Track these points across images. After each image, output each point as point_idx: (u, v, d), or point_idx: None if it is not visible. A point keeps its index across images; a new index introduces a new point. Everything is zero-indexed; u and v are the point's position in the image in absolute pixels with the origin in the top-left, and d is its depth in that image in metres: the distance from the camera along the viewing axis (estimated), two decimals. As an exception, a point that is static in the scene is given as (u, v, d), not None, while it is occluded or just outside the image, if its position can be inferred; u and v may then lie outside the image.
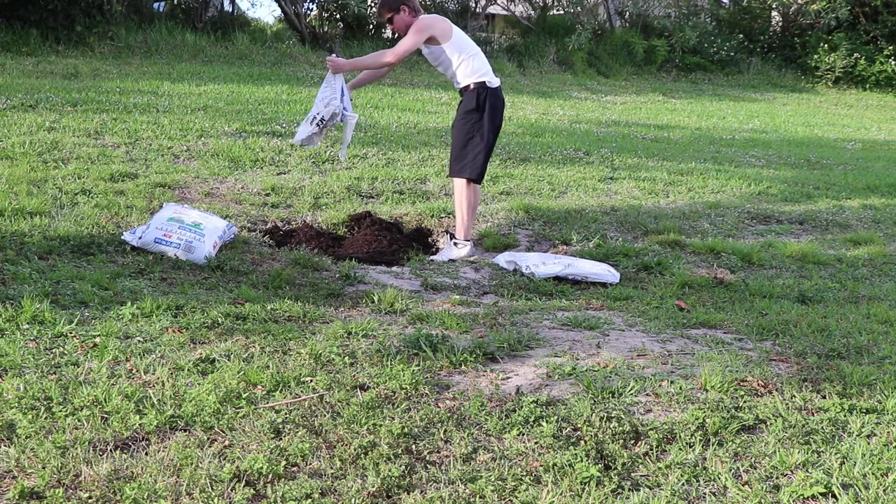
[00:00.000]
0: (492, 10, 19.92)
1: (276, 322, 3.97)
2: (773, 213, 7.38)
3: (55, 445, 2.68)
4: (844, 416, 3.19)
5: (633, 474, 2.75)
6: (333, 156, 7.80)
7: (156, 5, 16.44)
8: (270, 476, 2.60)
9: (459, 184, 5.69)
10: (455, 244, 5.72)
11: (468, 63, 5.58)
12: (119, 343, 3.53)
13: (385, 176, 7.29)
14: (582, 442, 2.89)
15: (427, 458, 2.80)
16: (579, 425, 3.02)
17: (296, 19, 16.88)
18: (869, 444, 2.97)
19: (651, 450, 2.89)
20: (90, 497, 2.45)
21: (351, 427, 2.94)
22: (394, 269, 5.34)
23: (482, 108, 5.59)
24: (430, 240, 6.21)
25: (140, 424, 2.86)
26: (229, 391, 3.12)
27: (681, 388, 3.36)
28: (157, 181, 6.42)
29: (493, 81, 5.64)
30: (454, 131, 5.73)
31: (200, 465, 2.64)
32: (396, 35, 5.66)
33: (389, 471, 2.65)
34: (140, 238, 4.92)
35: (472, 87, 5.59)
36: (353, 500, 2.53)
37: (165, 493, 2.49)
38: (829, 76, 20.23)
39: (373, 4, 17.33)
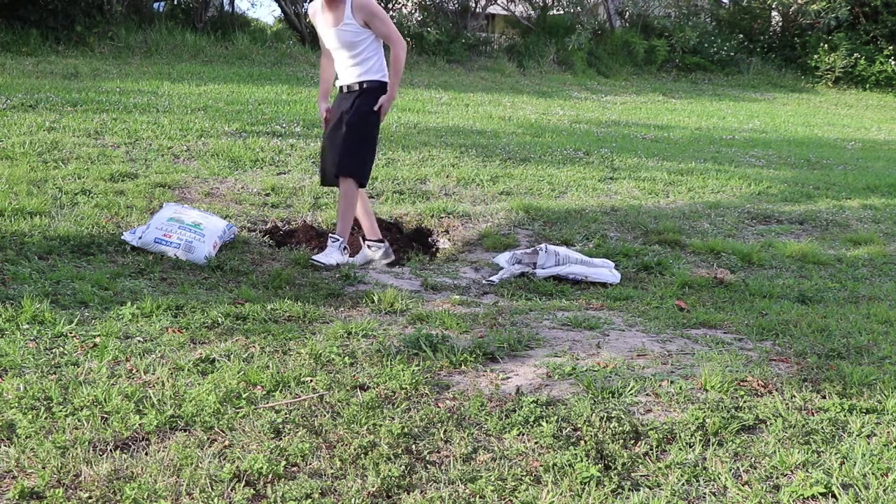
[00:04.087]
0: (492, 10, 19.92)
1: (276, 322, 3.97)
2: (773, 213, 7.38)
3: (55, 445, 2.68)
4: (844, 416, 3.19)
5: (633, 474, 2.75)
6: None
7: (156, 5, 16.45)
8: (270, 476, 2.60)
9: (352, 185, 5.26)
10: (369, 246, 5.43)
11: (381, 59, 5.20)
12: (119, 343, 3.54)
13: (385, 176, 7.29)
14: (582, 442, 2.89)
15: (427, 458, 2.80)
16: (579, 425, 3.01)
17: (296, 19, 16.88)
18: (869, 444, 2.96)
19: (651, 450, 2.89)
20: (90, 497, 2.45)
21: (351, 427, 2.94)
22: (394, 269, 5.34)
23: (378, 110, 5.21)
24: (430, 240, 6.21)
25: (140, 424, 2.86)
26: (229, 391, 3.12)
27: (681, 388, 3.36)
28: (157, 181, 6.42)
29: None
30: (346, 129, 5.17)
31: (200, 465, 2.64)
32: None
33: (389, 471, 2.65)
34: (140, 238, 4.93)
35: (371, 85, 5.18)
36: (353, 500, 2.53)
37: (165, 493, 2.49)
38: (829, 76, 20.23)
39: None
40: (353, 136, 5.20)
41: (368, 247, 5.47)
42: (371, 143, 5.31)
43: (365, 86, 5.19)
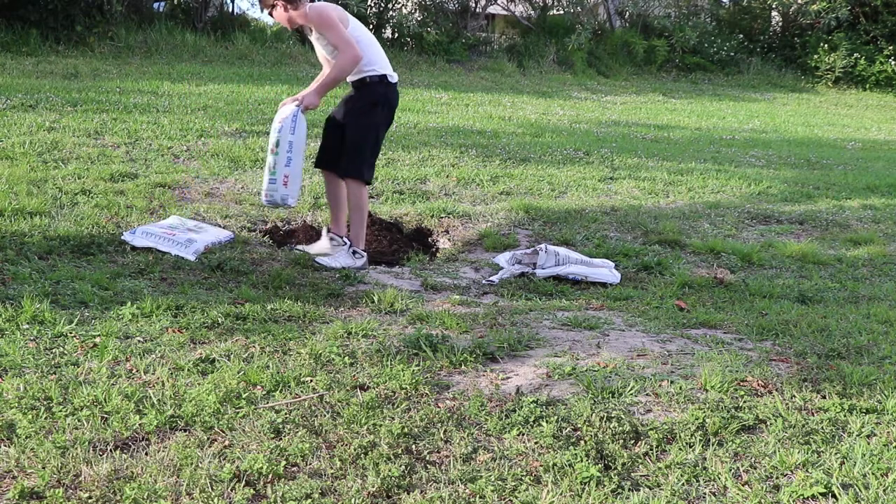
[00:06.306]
0: (492, 10, 19.93)
1: (276, 322, 3.97)
2: (773, 213, 7.38)
3: (55, 445, 2.67)
4: (844, 416, 3.19)
5: (633, 474, 2.75)
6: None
7: (156, 5, 16.45)
8: (270, 476, 2.60)
9: (356, 185, 5.25)
10: (354, 252, 5.24)
11: (369, 55, 5.08)
12: (119, 343, 3.54)
13: (385, 176, 7.28)
14: (582, 442, 2.89)
15: (427, 458, 2.80)
16: (579, 425, 3.01)
17: (296, 19, 16.86)
18: (869, 444, 2.96)
19: (651, 450, 2.89)
20: (90, 497, 2.45)
21: (351, 427, 2.94)
22: (394, 269, 5.34)
23: (380, 103, 5.19)
24: (430, 240, 6.21)
25: (140, 424, 2.86)
26: (229, 391, 3.12)
27: (681, 388, 3.36)
28: (157, 181, 6.42)
29: (393, 76, 5.22)
30: (346, 132, 5.21)
31: (200, 465, 2.64)
32: (277, 26, 5.13)
33: (389, 471, 2.65)
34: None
35: (362, 81, 5.14)
36: (353, 500, 2.53)
37: (165, 493, 2.49)
38: (829, 76, 20.23)
39: (372, 5, 17.35)
40: (351, 139, 5.23)
41: (331, 239, 5.34)
42: (370, 140, 5.29)
43: (357, 84, 5.20)
